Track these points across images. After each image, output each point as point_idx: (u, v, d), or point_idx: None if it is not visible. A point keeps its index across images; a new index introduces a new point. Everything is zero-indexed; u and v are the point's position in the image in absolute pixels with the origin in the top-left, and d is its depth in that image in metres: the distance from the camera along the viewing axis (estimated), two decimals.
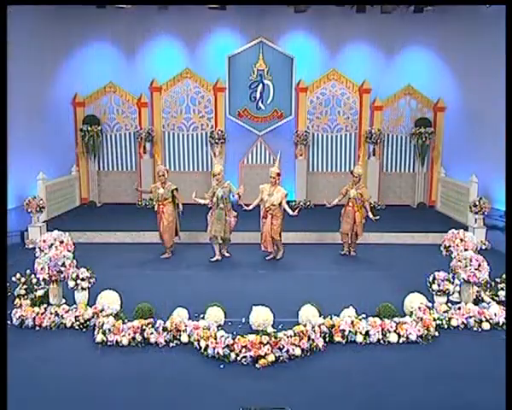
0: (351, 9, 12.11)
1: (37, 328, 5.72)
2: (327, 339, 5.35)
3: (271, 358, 4.95)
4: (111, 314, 5.64)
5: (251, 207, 8.28)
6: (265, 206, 8.20)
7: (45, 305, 5.97)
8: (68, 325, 5.70)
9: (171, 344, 5.32)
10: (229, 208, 8.37)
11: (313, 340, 5.22)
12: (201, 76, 12.44)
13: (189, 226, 9.29)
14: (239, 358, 4.97)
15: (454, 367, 4.96)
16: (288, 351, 5.03)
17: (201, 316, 5.70)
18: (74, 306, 5.93)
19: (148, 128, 12.25)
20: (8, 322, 5.73)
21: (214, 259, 8.36)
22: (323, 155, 12.71)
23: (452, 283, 6.20)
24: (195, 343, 5.23)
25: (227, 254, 8.68)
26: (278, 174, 8.31)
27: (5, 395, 3.92)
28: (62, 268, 5.94)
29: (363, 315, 5.63)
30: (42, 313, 5.79)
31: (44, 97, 12.40)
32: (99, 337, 5.33)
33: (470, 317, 5.82)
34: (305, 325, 5.39)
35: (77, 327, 5.69)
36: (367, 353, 5.22)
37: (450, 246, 6.53)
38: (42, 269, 5.89)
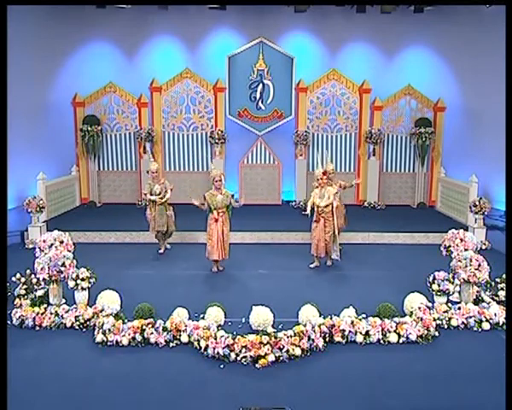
0: (351, 9, 12.12)
1: (37, 328, 5.71)
2: (327, 339, 5.35)
3: (271, 358, 4.94)
4: (111, 314, 5.64)
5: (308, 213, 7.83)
6: (318, 209, 7.73)
7: (45, 305, 5.97)
8: (68, 325, 5.69)
9: (171, 344, 5.32)
10: (167, 203, 8.62)
11: (313, 340, 5.22)
12: (201, 76, 12.44)
13: (188, 226, 9.29)
14: (239, 358, 4.97)
15: (454, 367, 4.96)
16: (288, 351, 5.03)
17: (201, 316, 5.70)
18: (74, 306, 5.93)
19: (148, 128, 12.25)
20: (8, 322, 5.73)
21: (162, 251, 8.77)
22: (323, 155, 12.68)
23: (452, 283, 6.20)
24: (195, 343, 5.23)
25: (168, 247, 8.92)
26: (324, 173, 7.74)
27: (5, 395, 3.92)
28: (62, 268, 5.94)
29: (363, 315, 5.63)
30: (42, 313, 5.79)
31: (44, 97, 12.43)
32: (99, 337, 5.33)
33: (470, 317, 5.81)
34: (305, 325, 5.39)
35: (77, 327, 5.69)
36: (367, 353, 5.22)
37: (450, 246, 6.52)
38: (42, 269, 5.89)
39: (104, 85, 12.43)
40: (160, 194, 8.47)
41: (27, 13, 11.37)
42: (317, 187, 7.81)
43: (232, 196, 7.72)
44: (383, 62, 12.90)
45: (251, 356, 4.95)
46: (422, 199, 12.64)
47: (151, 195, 8.45)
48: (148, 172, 8.75)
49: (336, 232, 7.80)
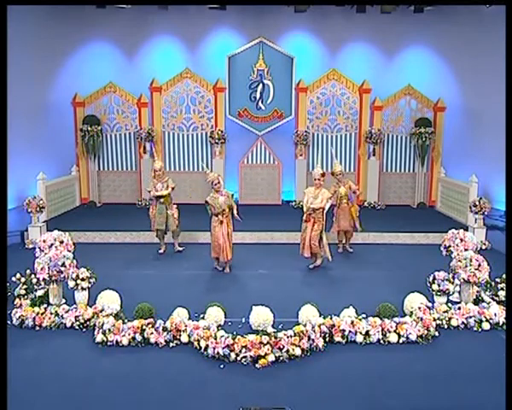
0: (351, 9, 12.13)
1: (37, 328, 5.71)
2: (327, 339, 5.35)
3: (271, 358, 4.94)
4: (111, 314, 5.64)
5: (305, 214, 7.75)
6: (308, 210, 7.63)
7: (45, 305, 5.97)
8: (68, 325, 5.69)
9: (171, 344, 5.32)
10: (169, 202, 8.56)
11: (313, 340, 5.21)
12: (201, 76, 12.44)
13: (188, 226, 9.29)
14: (239, 358, 4.97)
15: (454, 367, 4.96)
16: (288, 351, 5.03)
17: (201, 316, 5.70)
18: (74, 306, 5.93)
19: (148, 128, 12.25)
20: (8, 322, 5.73)
21: (162, 251, 8.71)
22: (323, 155, 12.70)
23: (452, 283, 6.20)
24: (195, 343, 5.23)
25: (179, 249, 8.79)
26: (323, 175, 7.66)
27: (5, 395, 3.92)
28: (62, 268, 5.94)
29: (363, 315, 5.63)
30: (42, 313, 5.79)
31: (44, 97, 12.43)
32: (99, 337, 5.33)
33: (470, 317, 5.81)
34: (305, 325, 5.39)
35: (77, 327, 5.69)
36: (367, 353, 5.22)
37: (450, 246, 6.52)
38: (42, 269, 5.89)
39: (104, 85, 12.43)
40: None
41: (27, 13, 11.37)
42: (313, 186, 7.76)
43: (232, 195, 7.74)
44: (383, 62, 12.91)
45: (251, 356, 4.95)
46: (422, 199, 12.64)
47: (153, 191, 8.46)
48: (154, 171, 8.70)
49: (324, 235, 7.69)
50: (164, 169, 8.90)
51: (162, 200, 8.47)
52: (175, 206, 8.67)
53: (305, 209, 7.70)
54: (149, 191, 8.59)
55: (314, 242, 7.66)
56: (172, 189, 8.56)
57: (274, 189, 12.65)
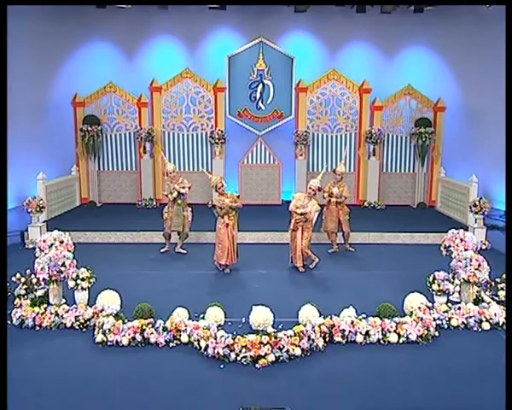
0: (351, 9, 12.12)
1: (37, 328, 5.71)
2: (327, 339, 5.35)
3: (271, 358, 4.95)
4: (111, 314, 5.64)
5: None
6: (295, 217, 7.71)
7: (45, 305, 5.97)
8: (68, 325, 5.70)
9: (171, 344, 5.32)
10: (185, 204, 8.59)
11: (313, 340, 5.22)
12: (201, 76, 12.44)
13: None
14: (239, 358, 4.97)
15: (454, 367, 4.96)
16: (288, 351, 5.03)
17: (201, 316, 5.70)
18: (74, 306, 5.94)
19: (148, 128, 12.25)
20: (8, 322, 5.73)
21: (164, 250, 8.73)
22: (323, 155, 12.71)
23: (452, 283, 6.20)
24: (195, 343, 5.23)
25: (183, 252, 8.73)
26: (319, 189, 7.75)
27: (5, 395, 3.93)
28: (62, 268, 5.95)
29: (363, 315, 5.63)
30: (42, 313, 5.79)
31: (44, 97, 12.42)
32: (99, 337, 5.33)
33: (470, 317, 5.82)
34: (305, 325, 5.39)
35: (77, 327, 5.69)
36: (367, 353, 5.22)
37: (450, 246, 6.52)
38: (42, 269, 5.89)
39: (104, 85, 12.43)
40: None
41: (27, 13, 11.37)
42: (304, 193, 7.84)
43: (238, 196, 7.72)
44: (383, 62, 12.90)
45: (251, 356, 4.95)
46: (422, 199, 12.64)
47: (171, 194, 8.45)
48: (166, 173, 8.70)
49: (306, 243, 7.75)
50: (163, 170, 8.92)
51: (180, 201, 8.48)
52: (189, 208, 8.68)
53: (292, 208, 7.68)
54: (166, 195, 8.57)
55: (306, 250, 7.78)
56: (189, 188, 8.56)
57: (274, 189, 12.65)
